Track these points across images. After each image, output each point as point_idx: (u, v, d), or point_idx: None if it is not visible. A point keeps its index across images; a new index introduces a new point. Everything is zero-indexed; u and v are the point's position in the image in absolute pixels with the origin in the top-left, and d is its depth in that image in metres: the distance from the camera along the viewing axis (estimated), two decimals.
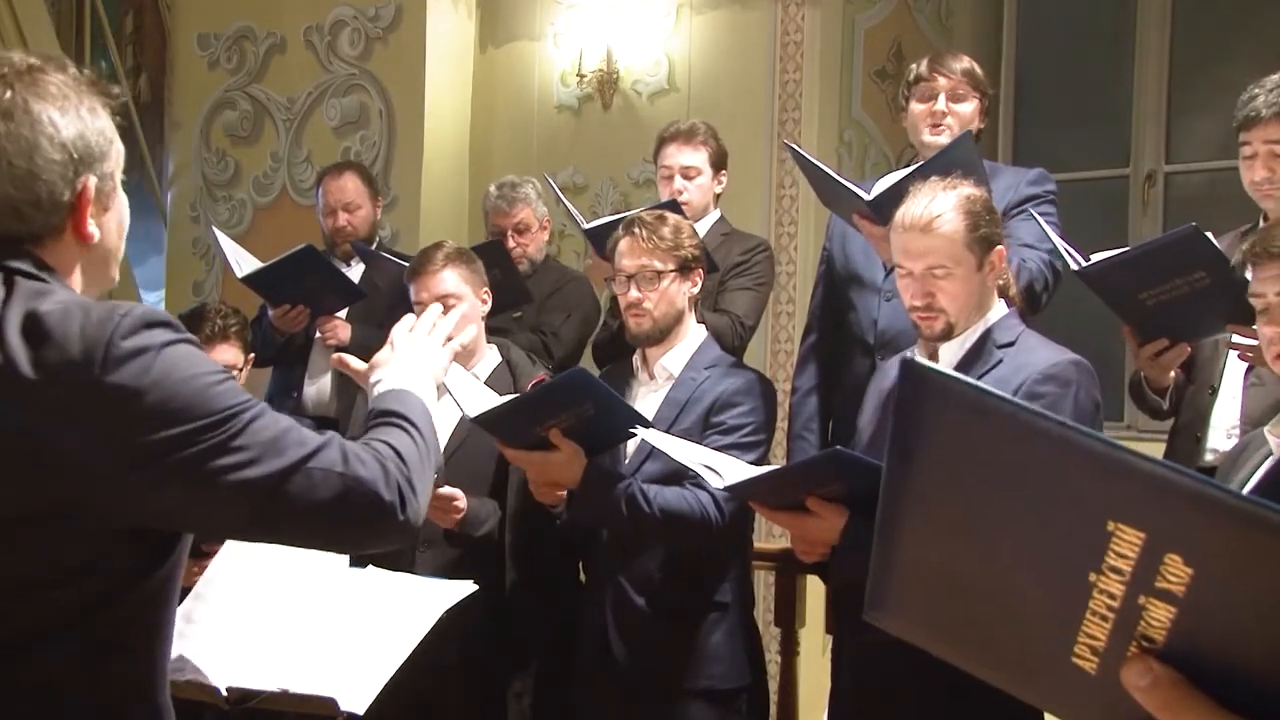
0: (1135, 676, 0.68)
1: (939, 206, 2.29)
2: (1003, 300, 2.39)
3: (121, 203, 1.44)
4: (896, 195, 2.61)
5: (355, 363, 1.83)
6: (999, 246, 2.34)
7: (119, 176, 1.43)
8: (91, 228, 1.38)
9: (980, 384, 0.70)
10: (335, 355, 1.96)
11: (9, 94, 1.31)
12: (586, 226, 3.42)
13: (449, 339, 1.82)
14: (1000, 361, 2.29)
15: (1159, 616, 0.66)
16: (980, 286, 2.32)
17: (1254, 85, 2.69)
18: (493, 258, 3.47)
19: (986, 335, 2.33)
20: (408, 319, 1.83)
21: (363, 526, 1.41)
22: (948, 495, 0.74)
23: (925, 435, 0.73)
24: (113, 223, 1.43)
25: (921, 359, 0.72)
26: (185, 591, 2.96)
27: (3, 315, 1.27)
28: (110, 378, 1.25)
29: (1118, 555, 0.66)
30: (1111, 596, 0.67)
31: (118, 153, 1.42)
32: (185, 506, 1.32)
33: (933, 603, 0.79)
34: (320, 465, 1.36)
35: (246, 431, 1.32)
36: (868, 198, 2.68)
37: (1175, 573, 0.64)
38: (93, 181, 1.37)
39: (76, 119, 1.35)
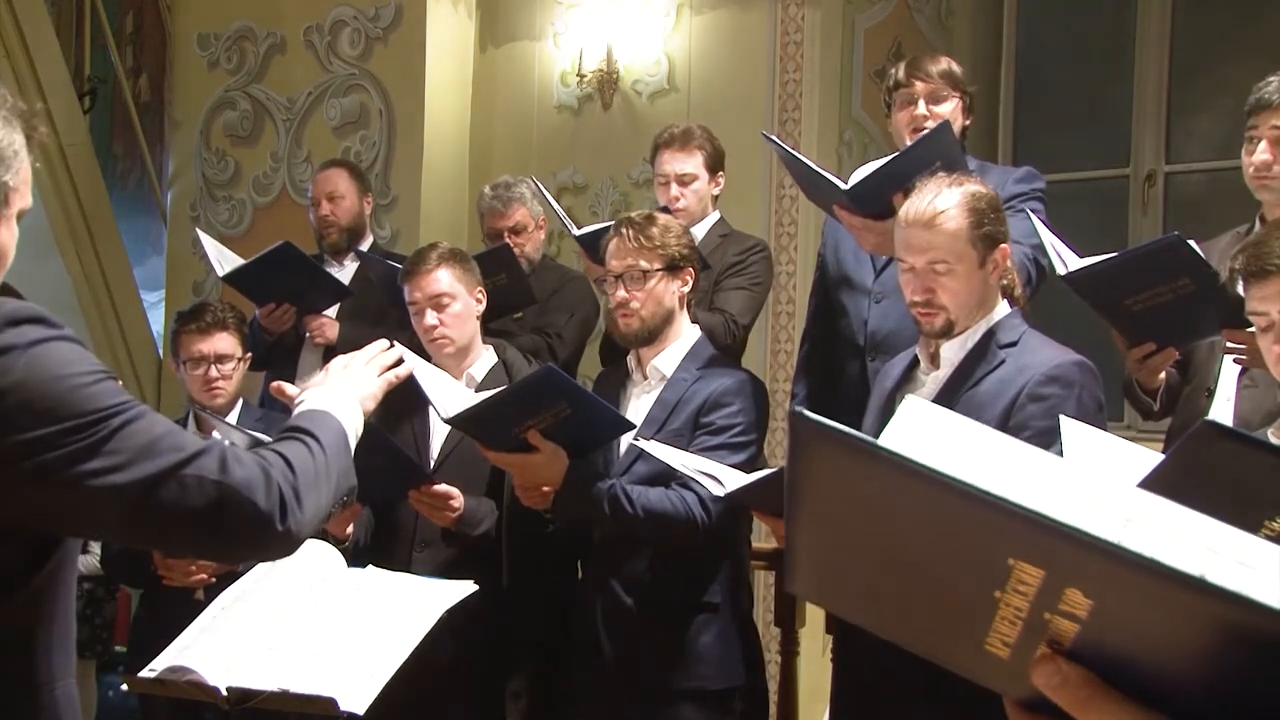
0: (1045, 677, 0.70)
1: (943, 202, 2.29)
2: (1006, 300, 2.39)
3: (8, 233, 1.38)
4: (874, 185, 2.61)
5: (290, 389, 1.81)
6: (1003, 245, 2.33)
7: (17, 206, 1.37)
8: None
9: (865, 437, 0.71)
10: (273, 384, 1.94)
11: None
12: (578, 233, 3.41)
13: (387, 369, 1.81)
14: (1003, 361, 2.29)
15: (1064, 628, 0.68)
16: (982, 284, 2.32)
17: (1271, 76, 2.69)
18: (499, 262, 3.48)
19: (989, 335, 2.33)
20: (344, 358, 1.82)
21: (237, 535, 1.37)
22: (845, 521, 0.75)
23: (817, 475, 0.75)
24: None
25: (809, 413, 0.73)
26: (184, 593, 2.98)
27: None
28: None
29: (1020, 583, 0.68)
30: (1018, 610, 0.69)
31: (20, 176, 1.36)
32: (53, 508, 1.29)
33: (842, 587, 0.82)
34: (194, 472, 1.32)
35: (119, 435, 1.29)
36: (845, 187, 2.68)
37: (1076, 601, 0.67)
38: None
39: None
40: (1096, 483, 0.71)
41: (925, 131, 2.81)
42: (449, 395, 2.58)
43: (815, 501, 0.76)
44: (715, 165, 3.49)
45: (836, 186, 2.71)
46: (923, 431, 0.76)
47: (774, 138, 3.05)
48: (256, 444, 2.68)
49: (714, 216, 3.50)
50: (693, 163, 3.44)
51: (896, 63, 3.13)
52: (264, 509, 1.36)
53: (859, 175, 2.70)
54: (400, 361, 1.87)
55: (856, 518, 0.75)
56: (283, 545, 1.41)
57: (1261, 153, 2.63)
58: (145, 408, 1.34)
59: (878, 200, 2.60)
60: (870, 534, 0.75)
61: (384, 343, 1.88)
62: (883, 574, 0.76)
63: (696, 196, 3.44)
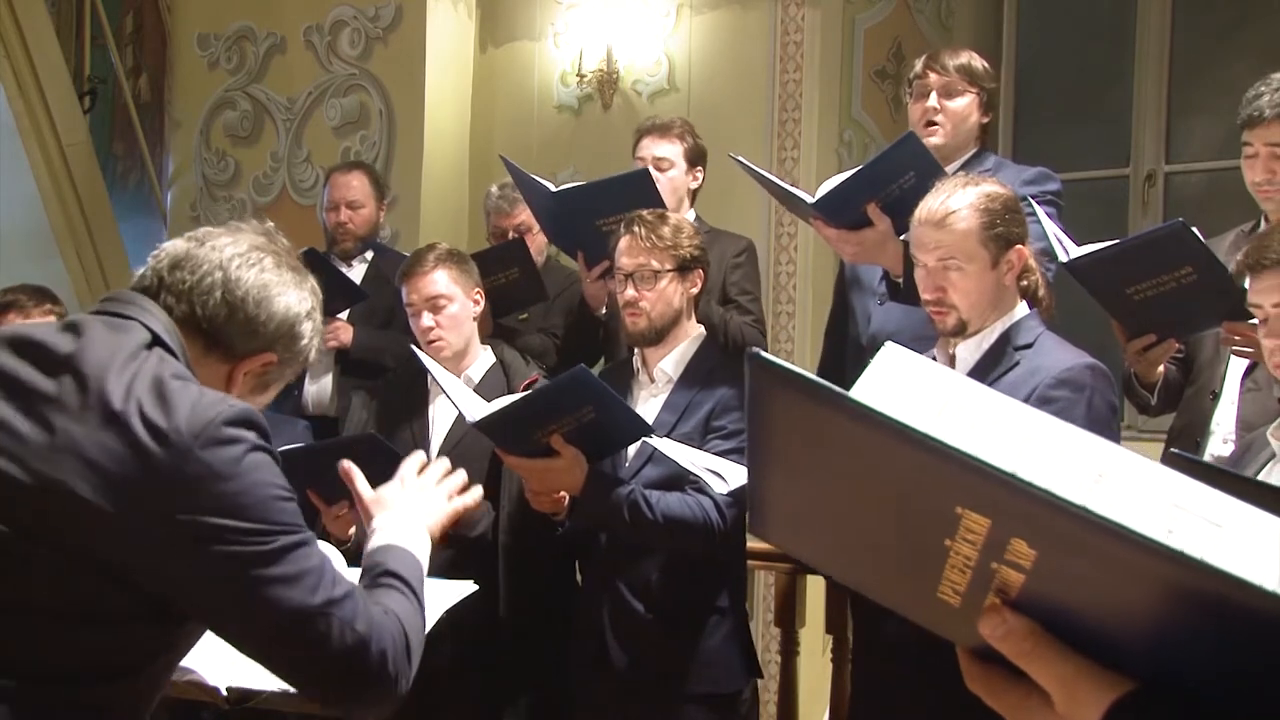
0: (990, 628, 0.72)
1: (955, 202, 2.29)
2: (1025, 301, 2.38)
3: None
4: (841, 196, 2.60)
5: (365, 492, 1.83)
6: (1018, 246, 2.32)
7: (265, 393, 1.62)
8: (237, 389, 1.56)
9: (814, 377, 0.71)
10: (342, 468, 1.88)
11: (304, 266, 1.65)
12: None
13: (455, 494, 1.87)
14: (1017, 363, 2.28)
15: (1010, 578, 0.69)
16: (995, 285, 2.31)
17: (1259, 83, 2.66)
18: (513, 257, 3.48)
19: (1005, 336, 2.32)
20: (418, 457, 1.89)
21: (358, 687, 1.48)
22: (805, 465, 0.76)
23: (774, 418, 0.75)
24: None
25: (765, 354, 0.74)
26: None
27: (138, 370, 1.40)
28: (203, 453, 1.36)
29: (969, 531, 0.69)
30: (967, 558, 0.70)
31: (295, 369, 1.60)
32: (204, 597, 1.41)
33: (806, 532, 0.83)
34: (342, 616, 1.43)
35: (291, 554, 1.41)
36: (811, 201, 2.68)
37: (1020, 551, 0.67)
38: (270, 359, 1.57)
39: (301, 303, 1.59)
40: (1070, 437, 0.72)
41: (941, 141, 2.82)
42: (472, 400, 2.56)
43: (776, 446, 0.77)
44: (694, 159, 3.47)
45: (804, 201, 2.71)
46: (898, 379, 0.76)
47: (740, 158, 3.05)
48: None
49: (690, 214, 3.43)
50: (671, 149, 3.43)
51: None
52: (391, 671, 1.48)
53: (826, 187, 2.68)
54: (468, 487, 1.92)
55: (814, 462, 0.75)
56: (381, 706, 1.52)
57: (1260, 172, 2.63)
58: (311, 534, 1.47)
59: (851, 211, 2.59)
60: (827, 478, 0.75)
61: (446, 463, 1.92)
62: (841, 518, 0.77)
63: (671, 185, 3.39)
